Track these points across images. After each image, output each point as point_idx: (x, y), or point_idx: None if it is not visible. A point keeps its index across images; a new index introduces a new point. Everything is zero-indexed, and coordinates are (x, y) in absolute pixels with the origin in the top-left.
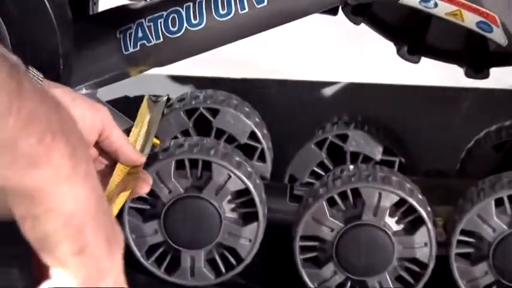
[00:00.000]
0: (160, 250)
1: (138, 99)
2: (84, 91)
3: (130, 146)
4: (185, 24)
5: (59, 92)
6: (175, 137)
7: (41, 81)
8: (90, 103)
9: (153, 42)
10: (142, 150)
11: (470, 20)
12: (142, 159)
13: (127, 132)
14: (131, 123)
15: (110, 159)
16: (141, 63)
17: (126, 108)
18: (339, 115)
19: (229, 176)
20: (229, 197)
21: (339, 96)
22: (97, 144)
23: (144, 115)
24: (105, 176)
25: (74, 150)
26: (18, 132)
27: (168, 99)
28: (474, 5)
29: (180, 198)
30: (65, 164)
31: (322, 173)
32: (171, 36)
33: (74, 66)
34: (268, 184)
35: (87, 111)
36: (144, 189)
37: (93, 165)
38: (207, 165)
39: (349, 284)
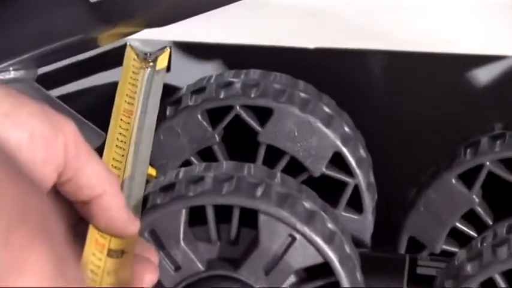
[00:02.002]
0: None
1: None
2: (11, 74)
3: (120, 198)
4: None
5: None
6: (187, 163)
7: None
8: (46, 115)
9: None
10: (138, 180)
11: None
12: (136, 225)
13: (99, 152)
14: (103, 135)
15: (73, 213)
16: (122, 19)
17: (96, 112)
18: (506, 120)
19: (293, 239)
20: (292, 280)
21: (503, 86)
22: (53, 189)
23: (127, 86)
24: None
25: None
26: None
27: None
28: None
29: (198, 281)
30: None
31: (472, 234)
32: None
33: None
34: (367, 254)
35: (39, 131)
36: (147, 281)
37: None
38: (250, 218)
39: None
